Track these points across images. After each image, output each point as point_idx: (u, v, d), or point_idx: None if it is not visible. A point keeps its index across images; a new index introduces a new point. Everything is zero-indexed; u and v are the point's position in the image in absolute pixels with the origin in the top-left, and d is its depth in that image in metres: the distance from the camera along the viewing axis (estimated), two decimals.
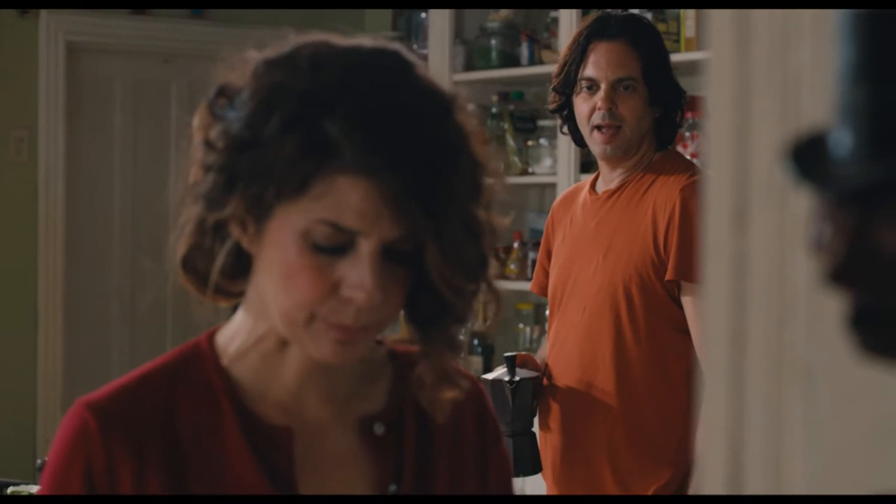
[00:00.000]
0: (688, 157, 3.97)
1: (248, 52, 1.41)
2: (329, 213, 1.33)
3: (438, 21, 5.61)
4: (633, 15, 3.46)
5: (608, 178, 3.31)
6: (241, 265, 1.43)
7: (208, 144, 1.39)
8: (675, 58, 4.77)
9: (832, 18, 0.87)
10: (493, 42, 5.57)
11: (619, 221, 3.22)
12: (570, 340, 3.23)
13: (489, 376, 3.27)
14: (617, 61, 3.24)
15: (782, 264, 0.92)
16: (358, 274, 1.34)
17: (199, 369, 1.47)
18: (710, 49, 0.95)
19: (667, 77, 3.29)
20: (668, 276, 3.10)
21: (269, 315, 1.43)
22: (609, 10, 3.43)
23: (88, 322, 5.98)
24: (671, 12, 4.94)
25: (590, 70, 3.24)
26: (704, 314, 0.94)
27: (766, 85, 0.93)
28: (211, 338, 1.51)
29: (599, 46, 3.26)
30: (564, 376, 3.25)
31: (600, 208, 3.27)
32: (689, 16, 4.86)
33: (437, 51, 5.60)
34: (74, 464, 1.41)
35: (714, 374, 0.93)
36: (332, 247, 1.34)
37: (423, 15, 5.85)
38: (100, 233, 6.03)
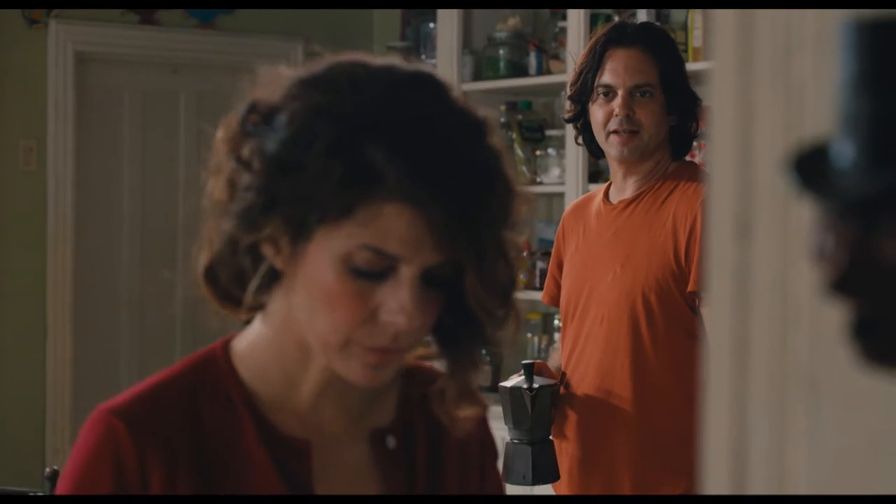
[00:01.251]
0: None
1: (279, 67, 1.42)
2: (374, 240, 1.34)
3: (446, 31, 5.62)
4: (650, 23, 3.47)
5: (622, 187, 3.30)
6: (265, 281, 1.43)
7: (241, 162, 1.38)
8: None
9: (834, 29, 0.87)
10: (501, 52, 5.57)
11: (637, 231, 3.21)
12: (588, 350, 3.23)
13: (507, 384, 3.27)
14: (634, 67, 3.24)
15: (785, 274, 0.92)
16: (398, 300, 1.35)
17: (216, 379, 1.48)
18: (713, 59, 0.96)
19: (683, 85, 3.29)
20: (691, 287, 3.09)
21: (295, 331, 1.43)
22: (624, 19, 3.45)
23: (98, 331, 5.99)
24: (678, 20, 4.94)
25: (607, 77, 3.24)
26: (709, 323, 0.94)
27: (768, 95, 0.93)
28: (226, 347, 1.51)
29: (616, 53, 3.26)
30: (582, 385, 3.25)
31: (617, 217, 3.26)
32: (696, 26, 4.86)
33: (445, 61, 5.61)
34: (103, 469, 1.41)
35: (717, 384, 0.93)
36: (372, 272, 1.35)
37: (432, 25, 5.86)
38: (109, 242, 6.04)
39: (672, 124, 3.27)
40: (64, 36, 5.86)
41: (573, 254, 3.35)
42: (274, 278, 1.43)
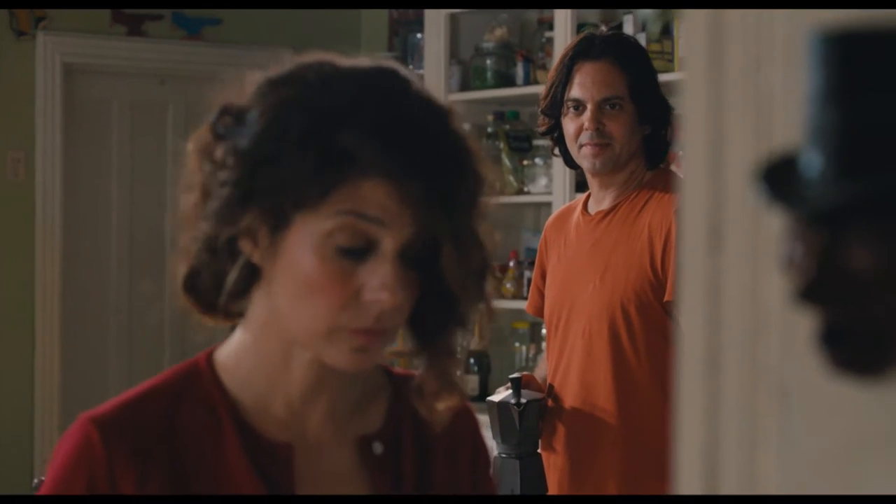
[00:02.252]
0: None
1: (246, 72, 1.44)
2: (355, 206, 1.36)
3: (434, 41, 5.64)
4: (619, 34, 3.46)
5: (599, 198, 3.31)
6: (243, 285, 1.45)
7: (215, 163, 1.41)
8: (668, 77, 4.80)
9: (803, 40, 0.88)
10: (489, 62, 5.59)
11: (614, 243, 3.22)
12: (573, 363, 3.23)
13: (495, 398, 3.27)
14: (602, 81, 3.25)
15: (756, 283, 0.93)
16: (380, 276, 1.38)
17: (199, 387, 1.49)
18: (684, 69, 0.97)
19: (655, 94, 3.29)
20: (668, 297, 3.10)
21: (277, 330, 1.45)
22: (595, 30, 3.44)
23: (86, 341, 5.99)
24: (654, 31, 4.96)
25: (576, 91, 3.25)
26: (680, 332, 0.95)
27: (739, 106, 0.94)
28: (209, 356, 1.52)
29: (584, 67, 3.27)
30: (568, 398, 3.25)
31: (594, 229, 3.27)
32: (682, 35, 4.89)
33: (432, 71, 5.62)
34: (77, 477, 1.43)
35: (689, 391, 0.94)
36: (354, 248, 1.38)
37: (419, 35, 5.87)
38: (97, 252, 6.05)
39: (645, 133, 3.28)
40: (52, 48, 5.87)
41: (555, 266, 3.36)
42: (252, 281, 1.45)
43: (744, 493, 0.92)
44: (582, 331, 3.21)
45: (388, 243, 1.38)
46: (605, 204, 3.29)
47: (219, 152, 1.41)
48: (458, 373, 1.52)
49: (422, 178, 1.36)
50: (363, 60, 1.44)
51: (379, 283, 1.38)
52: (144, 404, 1.47)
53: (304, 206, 1.37)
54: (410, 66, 5.88)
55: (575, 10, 5.17)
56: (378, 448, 1.51)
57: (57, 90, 5.87)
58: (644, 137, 3.27)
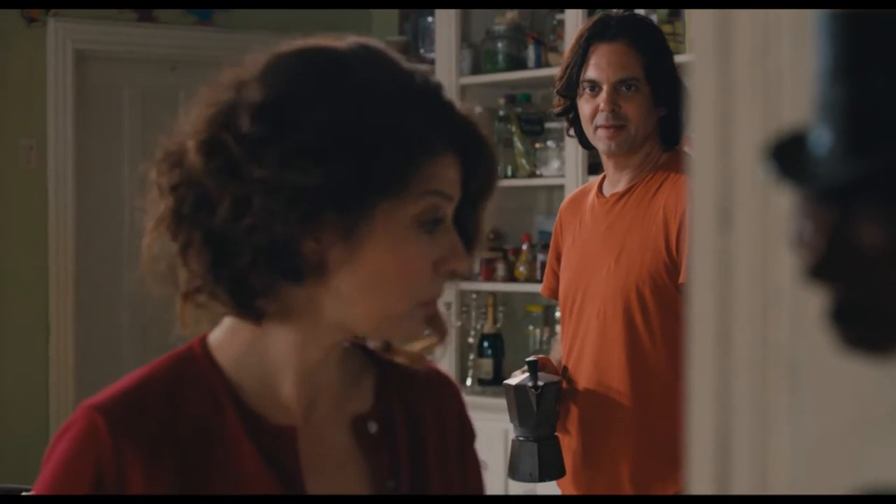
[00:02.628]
0: None
1: (248, 55, 1.49)
2: (438, 185, 1.42)
3: (445, 25, 5.63)
4: (635, 15, 3.44)
5: (614, 180, 3.30)
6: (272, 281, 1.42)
7: (264, 170, 1.37)
8: (680, 59, 4.79)
9: (811, 18, 0.88)
10: (500, 45, 5.58)
11: (629, 225, 3.22)
12: (587, 345, 3.24)
13: (512, 382, 3.27)
14: (618, 62, 3.24)
15: (766, 261, 0.93)
16: (452, 245, 1.44)
17: (197, 373, 1.49)
18: (693, 51, 0.97)
19: (671, 76, 3.28)
20: (682, 279, 3.10)
21: (317, 322, 1.44)
22: (610, 11, 3.43)
23: (100, 329, 6.01)
24: (662, 13, 4.95)
25: (591, 72, 3.24)
26: (691, 311, 0.95)
27: (748, 85, 0.94)
28: (203, 342, 1.52)
29: (600, 48, 3.26)
30: (582, 380, 3.26)
31: (609, 211, 3.27)
32: (692, 16, 4.88)
33: (443, 54, 5.62)
34: (83, 466, 1.42)
35: (700, 370, 0.94)
36: (431, 226, 1.43)
37: (430, 19, 5.87)
38: (110, 239, 6.06)
39: (661, 115, 3.27)
40: (63, 34, 5.88)
41: (570, 248, 3.36)
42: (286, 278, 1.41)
43: (755, 470, 0.93)
44: (596, 312, 3.21)
45: (450, 213, 1.45)
46: (621, 186, 3.28)
47: (270, 157, 1.37)
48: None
49: (480, 151, 1.46)
50: (349, 40, 1.45)
51: (450, 250, 1.44)
52: (146, 390, 1.47)
53: (387, 194, 1.39)
54: (422, 50, 5.88)
55: None
56: (373, 427, 1.53)
57: (68, 77, 5.88)
58: (660, 119, 3.26)
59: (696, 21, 0.97)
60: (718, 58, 0.94)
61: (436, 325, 1.51)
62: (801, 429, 0.91)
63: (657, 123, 3.26)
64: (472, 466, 1.63)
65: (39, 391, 5.87)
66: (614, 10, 3.42)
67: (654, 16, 4.90)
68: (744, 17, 0.94)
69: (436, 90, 1.45)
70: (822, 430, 0.91)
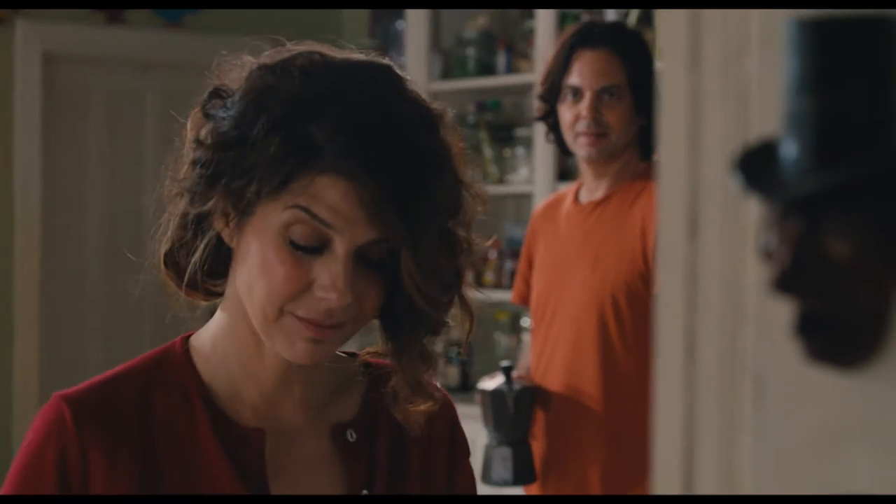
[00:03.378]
0: None
1: (244, 57, 1.47)
2: (305, 201, 1.37)
3: (415, 30, 5.63)
4: (619, 23, 3.46)
5: (593, 188, 3.30)
6: (221, 264, 1.48)
7: (198, 142, 1.44)
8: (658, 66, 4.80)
9: (780, 27, 0.88)
10: (470, 51, 5.58)
11: (606, 233, 3.22)
12: (559, 351, 3.24)
13: (488, 387, 3.28)
14: (601, 70, 3.24)
15: (734, 271, 0.93)
16: (330, 275, 1.38)
17: (173, 371, 1.51)
18: (662, 58, 0.97)
19: (653, 85, 3.28)
20: (657, 289, 3.08)
21: (246, 313, 1.46)
22: (595, 19, 3.44)
23: (65, 331, 5.98)
24: (651, 20, 4.96)
25: (574, 79, 3.24)
26: (658, 319, 0.95)
27: (717, 93, 0.94)
28: (185, 341, 1.55)
29: (584, 55, 3.26)
30: (552, 385, 3.26)
31: (586, 219, 3.27)
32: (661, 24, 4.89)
33: (414, 59, 5.62)
34: (48, 453, 1.44)
35: (667, 378, 0.94)
36: (308, 246, 1.38)
37: (401, 24, 5.87)
38: (76, 241, 6.03)
39: (641, 124, 3.27)
40: (31, 35, 5.85)
41: (543, 255, 3.36)
42: (229, 262, 1.47)
43: (721, 479, 0.93)
44: (570, 319, 3.21)
45: (340, 244, 1.38)
46: (599, 194, 3.28)
47: (203, 132, 1.44)
48: (440, 365, 1.53)
49: (383, 182, 1.35)
50: (357, 55, 1.45)
51: (329, 280, 1.38)
52: (117, 386, 1.49)
53: (264, 193, 1.38)
54: (392, 55, 5.88)
55: None
56: (351, 436, 1.53)
57: (36, 78, 5.85)
58: (640, 128, 3.27)
59: (666, 28, 0.97)
60: (687, 65, 0.94)
61: (421, 392, 1.51)
62: (767, 439, 0.92)
63: (637, 132, 3.26)
64: (462, 482, 1.61)
65: (3, 393, 5.83)
66: (599, 19, 3.43)
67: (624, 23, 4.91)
68: (713, 25, 0.94)
69: (361, 109, 1.37)
70: (787, 441, 0.91)
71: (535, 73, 4.92)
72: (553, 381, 3.25)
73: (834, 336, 0.87)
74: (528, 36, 5.41)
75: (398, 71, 1.45)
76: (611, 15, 4.97)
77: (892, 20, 0.84)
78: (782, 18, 0.88)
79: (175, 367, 1.52)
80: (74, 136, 6.04)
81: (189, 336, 1.56)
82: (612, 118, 3.21)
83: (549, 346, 3.27)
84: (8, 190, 5.80)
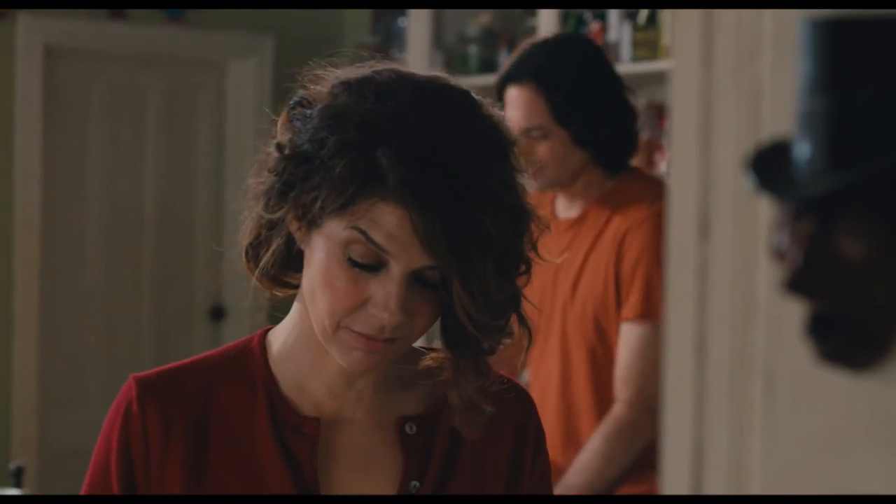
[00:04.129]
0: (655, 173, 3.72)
1: (334, 67, 1.53)
2: (364, 224, 1.43)
3: (417, 27, 5.63)
4: (553, 46, 3.21)
5: (567, 206, 3.21)
6: (299, 257, 1.53)
7: (279, 147, 1.51)
8: (653, 66, 4.80)
9: (794, 27, 0.88)
10: (472, 48, 5.58)
11: (584, 256, 3.13)
12: (552, 381, 3.19)
13: None
14: (524, 111, 3.07)
15: (745, 271, 0.93)
16: (384, 294, 1.45)
17: (245, 363, 1.59)
18: (674, 58, 0.97)
19: (593, 111, 3.09)
20: (626, 315, 3.02)
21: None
22: (536, 39, 3.29)
23: (65, 326, 5.97)
24: (656, 19, 4.96)
25: (507, 115, 3.15)
26: (668, 318, 0.95)
27: (729, 93, 0.94)
28: (264, 334, 1.62)
29: (510, 92, 3.10)
30: (545, 404, 3.22)
31: (563, 237, 3.16)
32: (672, 24, 4.88)
33: (415, 57, 5.61)
34: (116, 427, 1.55)
35: (676, 379, 0.94)
36: (366, 264, 1.45)
37: (403, 21, 5.87)
38: (76, 237, 6.02)
39: (588, 152, 3.10)
40: (32, 29, 5.84)
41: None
42: (303, 258, 1.52)
43: (730, 480, 0.92)
44: (559, 338, 3.16)
45: (395, 267, 1.44)
46: (574, 212, 3.19)
47: (284, 139, 1.50)
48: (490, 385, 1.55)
49: (437, 215, 1.41)
50: (439, 78, 1.50)
51: (382, 299, 1.45)
52: (187, 371, 1.59)
53: (329, 210, 1.44)
54: (394, 52, 5.88)
55: None
56: (411, 428, 1.57)
57: (37, 73, 5.84)
58: (596, 149, 3.12)
59: (678, 29, 0.97)
60: (700, 66, 0.94)
61: (473, 407, 1.54)
62: (777, 440, 0.91)
63: (591, 154, 3.11)
64: (528, 482, 1.63)
65: (3, 388, 5.82)
66: (543, 37, 3.30)
67: (631, 22, 4.91)
68: (726, 25, 0.94)
69: (427, 139, 1.42)
70: (797, 441, 0.91)
71: None
72: (546, 399, 3.19)
73: (845, 337, 0.87)
74: (531, 33, 5.40)
75: (474, 97, 1.50)
76: (613, 17, 4.96)
77: None
78: (795, 18, 0.88)
79: (248, 358, 1.58)
80: (75, 131, 6.02)
81: (269, 330, 1.62)
82: (544, 155, 3.04)
83: (544, 373, 3.21)
84: (8, 184, 5.79)
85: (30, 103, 5.81)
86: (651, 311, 3.01)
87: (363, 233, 1.43)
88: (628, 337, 3.04)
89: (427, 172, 1.41)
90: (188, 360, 1.61)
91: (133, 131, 6.13)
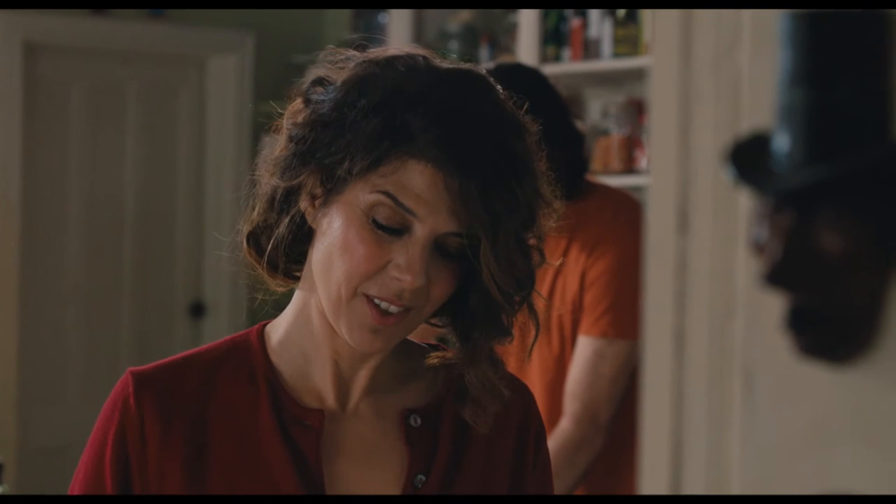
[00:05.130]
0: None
1: (349, 52, 1.53)
2: (392, 188, 1.43)
3: (398, 24, 5.62)
4: (495, 78, 3.18)
5: None
6: (301, 248, 1.53)
7: (296, 125, 1.50)
8: (633, 62, 4.80)
9: (773, 20, 0.88)
10: (453, 45, 5.58)
11: (550, 285, 3.11)
12: (537, 377, 3.18)
13: None
14: None
15: (724, 265, 0.93)
16: (407, 256, 1.44)
17: (245, 354, 1.57)
18: (653, 53, 0.96)
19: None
20: (585, 330, 3.00)
21: (318, 298, 1.51)
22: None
23: (44, 323, 5.95)
24: (636, 15, 4.96)
25: None
26: (646, 313, 0.95)
27: (708, 86, 0.93)
28: (263, 327, 1.60)
29: None
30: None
31: None
32: (648, 21, 4.88)
33: None
34: (112, 422, 1.53)
35: (655, 374, 0.93)
36: (390, 227, 1.44)
37: (384, 18, 5.85)
38: (56, 233, 6.00)
39: None
40: (12, 25, 5.81)
41: None
42: (308, 245, 1.52)
43: (709, 476, 0.92)
44: (539, 370, 3.15)
45: (421, 230, 1.44)
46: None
47: (302, 116, 1.50)
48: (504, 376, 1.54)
49: (470, 175, 1.41)
50: (456, 62, 1.53)
51: (405, 262, 1.44)
52: (186, 364, 1.57)
53: (355, 171, 1.44)
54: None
55: None
56: (415, 421, 1.56)
57: (16, 69, 5.81)
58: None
59: (657, 24, 0.96)
60: (679, 59, 0.93)
61: (491, 392, 1.53)
62: (756, 436, 0.91)
63: None
64: (530, 477, 1.63)
65: None
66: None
67: (612, 18, 4.90)
68: (705, 20, 0.93)
69: (457, 105, 1.44)
70: (777, 437, 0.90)
71: None
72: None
73: (825, 331, 0.86)
74: (511, 30, 5.40)
75: (491, 81, 1.52)
76: (594, 15, 4.96)
77: (886, 14, 0.84)
78: (775, 10, 0.88)
79: (247, 351, 1.57)
80: (56, 128, 6.00)
81: (267, 323, 1.61)
82: None
83: (531, 370, 3.20)
84: None
85: (9, 100, 5.78)
86: (612, 327, 3.00)
87: (391, 196, 1.43)
88: (582, 350, 3.03)
89: (457, 135, 1.42)
90: (186, 353, 1.59)
91: (113, 128, 6.10)
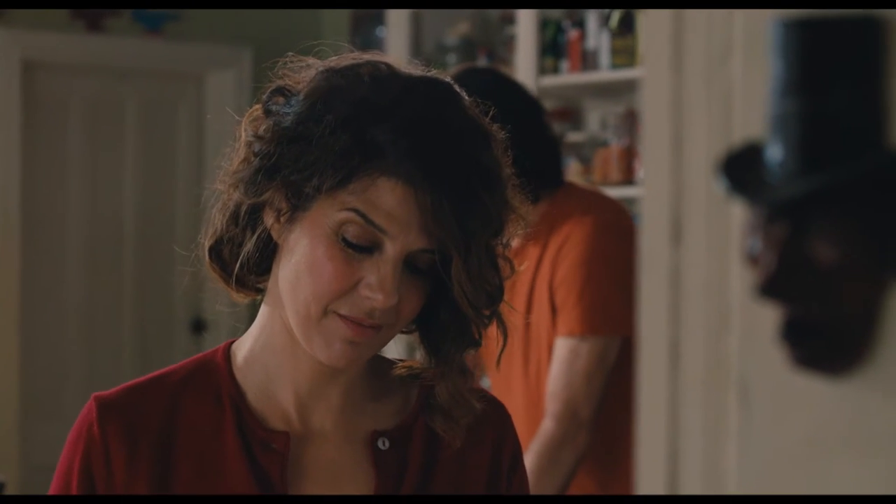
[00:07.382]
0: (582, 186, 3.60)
1: (309, 60, 1.50)
2: (362, 206, 1.40)
3: (396, 36, 5.62)
4: (457, 82, 3.16)
5: None
6: (266, 260, 1.50)
7: (257, 137, 1.46)
8: (631, 73, 4.80)
9: (765, 30, 0.87)
10: (451, 58, 5.57)
11: (528, 289, 3.09)
12: (516, 388, 3.16)
13: None
14: None
15: (718, 276, 0.92)
16: (378, 276, 1.41)
17: (210, 375, 1.54)
18: (645, 63, 0.96)
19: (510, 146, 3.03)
20: (561, 331, 2.99)
21: (284, 313, 1.48)
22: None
23: (45, 339, 5.95)
24: (632, 25, 4.96)
25: None
26: (640, 325, 0.94)
27: (701, 97, 0.93)
28: (228, 346, 1.57)
29: None
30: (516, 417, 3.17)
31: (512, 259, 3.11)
32: (644, 28, 4.88)
33: None
34: (77, 449, 1.51)
35: (650, 385, 0.93)
36: (360, 245, 1.41)
37: (381, 31, 5.86)
38: (56, 250, 6.00)
39: None
40: (10, 42, 5.82)
41: None
42: (273, 257, 1.49)
43: (705, 487, 0.91)
44: (522, 360, 3.14)
45: (392, 248, 1.41)
46: (515, 241, 3.15)
47: (264, 127, 1.46)
48: (475, 387, 1.53)
49: (442, 190, 1.39)
50: (420, 70, 1.49)
51: (376, 281, 1.41)
52: (150, 387, 1.54)
53: (323, 189, 1.41)
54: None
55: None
56: (384, 444, 1.53)
57: (15, 86, 5.81)
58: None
59: (649, 34, 0.96)
60: (671, 69, 0.93)
61: (461, 403, 1.51)
62: (752, 448, 0.90)
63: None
64: (506, 491, 1.60)
65: None
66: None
67: (606, 29, 4.90)
68: (697, 29, 0.93)
69: (425, 118, 1.42)
70: (772, 449, 0.90)
71: None
72: (516, 414, 3.14)
73: (820, 342, 0.86)
74: (509, 42, 5.40)
75: (457, 89, 1.49)
76: (592, 16, 4.95)
77: (878, 20, 0.83)
78: (767, 20, 0.87)
79: (212, 370, 1.54)
80: (54, 143, 6.00)
81: (233, 342, 1.58)
82: None
83: (506, 382, 3.19)
84: None
85: (8, 117, 5.79)
86: (581, 324, 2.99)
87: (362, 215, 1.40)
88: (558, 351, 3.02)
89: (427, 148, 1.40)
90: (150, 375, 1.56)
91: (112, 144, 6.10)
